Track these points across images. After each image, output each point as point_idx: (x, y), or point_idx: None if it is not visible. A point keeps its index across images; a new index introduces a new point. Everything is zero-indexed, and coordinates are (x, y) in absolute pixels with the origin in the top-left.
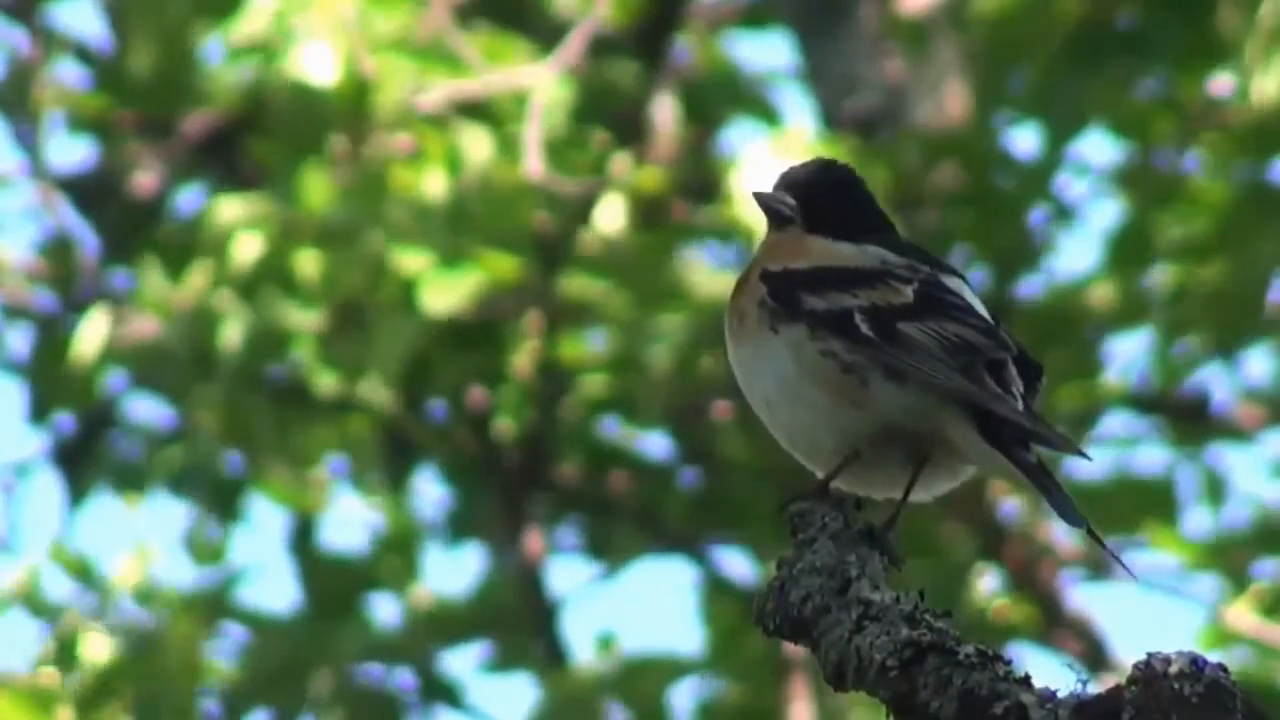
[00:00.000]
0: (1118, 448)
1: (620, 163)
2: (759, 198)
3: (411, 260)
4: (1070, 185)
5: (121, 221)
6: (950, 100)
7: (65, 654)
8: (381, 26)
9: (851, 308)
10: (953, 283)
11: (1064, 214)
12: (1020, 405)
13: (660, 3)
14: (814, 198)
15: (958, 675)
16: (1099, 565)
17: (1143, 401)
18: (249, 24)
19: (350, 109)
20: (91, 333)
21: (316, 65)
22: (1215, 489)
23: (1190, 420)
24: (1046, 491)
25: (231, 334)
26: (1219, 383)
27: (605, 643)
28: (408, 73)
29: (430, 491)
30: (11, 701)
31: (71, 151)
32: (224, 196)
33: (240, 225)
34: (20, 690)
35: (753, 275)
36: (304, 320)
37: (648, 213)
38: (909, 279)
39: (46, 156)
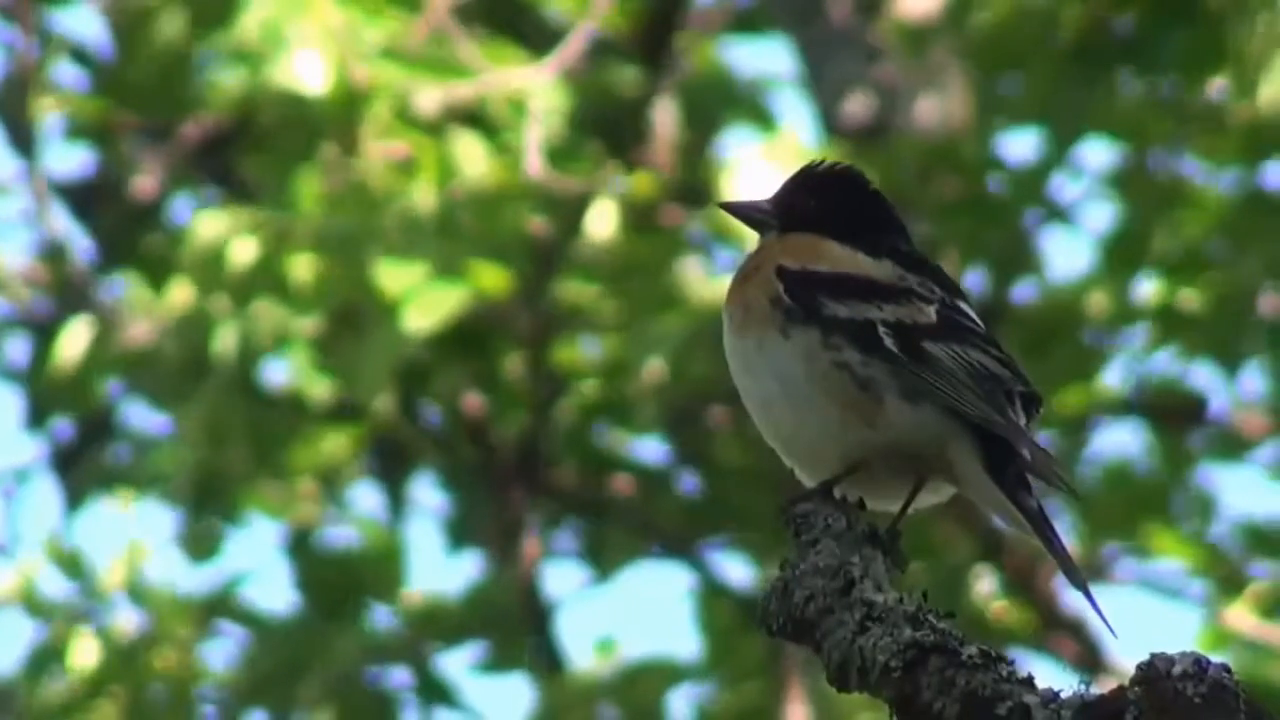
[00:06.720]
0: (1109, 451)
1: (612, 169)
2: (729, 208)
3: (395, 276)
4: (1066, 188)
5: (119, 226)
6: (949, 106)
7: (58, 656)
8: (373, 35)
9: (875, 319)
10: (965, 306)
11: (1059, 218)
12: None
13: (659, 7)
14: (826, 200)
15: (961, 676)
16: (1096, 569)
17: (1140, 406)
18: (241, 31)
19: (341, 117)
20: (75, 340)
21: (307, 73)
22: (1205, 503)
23: (1186, 425)
24: (1050, 544)
25: (225, 340)
26: (1216, 390)
27: (605, 647)
28: (400, 80)
29: (428, 498)
30: None
31: (69, 156)
32: (209, 210)
33: (230, 233)
34: None
35: (764, 268)
36: (297, 326)
37: (642, 218)
38: (929, 299)
39: (43, 160)
